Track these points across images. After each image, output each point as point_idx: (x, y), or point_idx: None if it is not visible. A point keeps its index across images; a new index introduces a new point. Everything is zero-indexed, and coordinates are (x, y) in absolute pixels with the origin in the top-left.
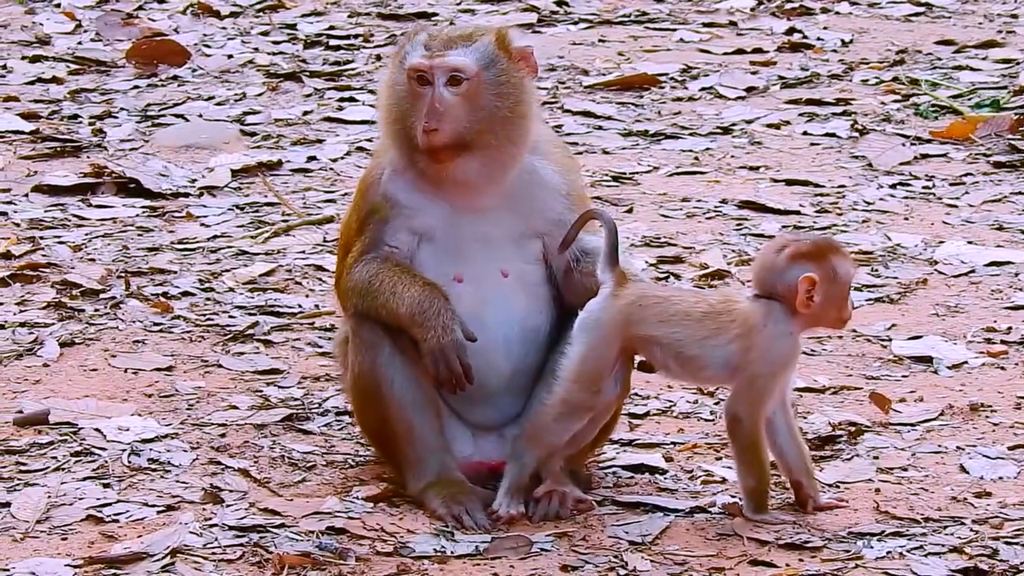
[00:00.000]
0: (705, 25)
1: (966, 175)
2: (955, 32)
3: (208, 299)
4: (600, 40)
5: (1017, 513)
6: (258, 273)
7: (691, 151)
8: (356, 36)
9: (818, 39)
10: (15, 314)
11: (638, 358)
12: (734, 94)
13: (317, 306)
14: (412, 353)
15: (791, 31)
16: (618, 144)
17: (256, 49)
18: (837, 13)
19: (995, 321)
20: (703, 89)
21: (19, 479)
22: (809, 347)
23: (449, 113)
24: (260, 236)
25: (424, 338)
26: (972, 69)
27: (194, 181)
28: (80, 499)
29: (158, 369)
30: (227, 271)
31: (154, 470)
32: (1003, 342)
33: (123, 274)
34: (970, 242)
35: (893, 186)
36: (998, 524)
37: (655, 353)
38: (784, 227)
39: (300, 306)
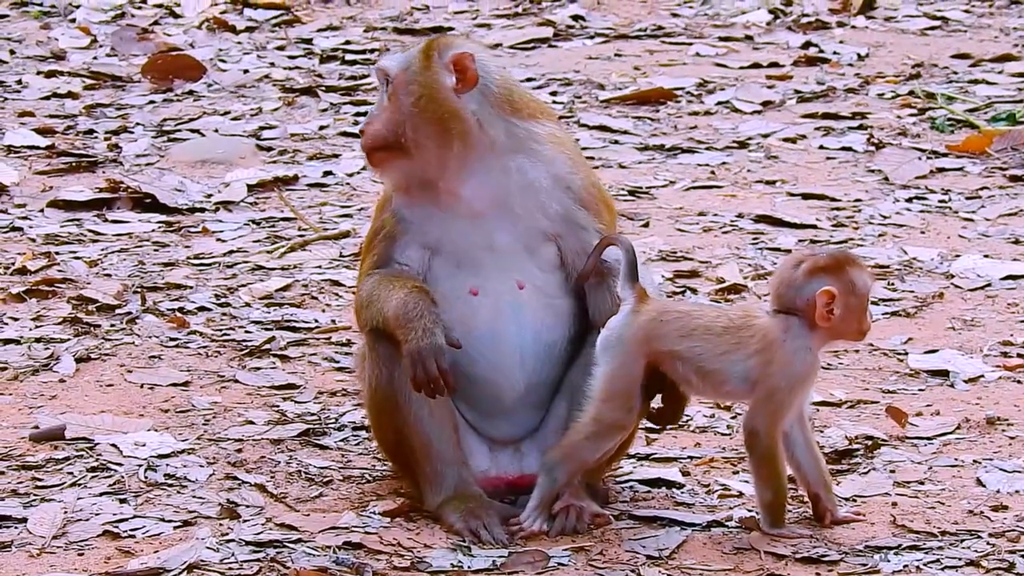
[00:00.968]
0: (721, 39)
1: (982, 189)
2: (971, 46)
3: (224, 314)
4: (616, 54)
5: None
6: (274, 288)
7: (707, 165)
8: (372, 51)
9: (834, 53)
10: (31, 329)
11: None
12: (750, 108)
13: (333, 321)
14: None
15: (807, 45)
16: (634, 158)
17: (272, 64)
18: (853, 27)
19: (1011, 335)
20: (719, 103)
21: (35, 495)
22: (826, 361)
23: (379, 116)
24: (276, 251)
25: (404, 339)
26: (988, 83)
27: (210, 196)
28: (96, 515)
29: (174, 384)
30: (243, 286)
31: (171, 485)
32: (1020, 356)
33: (139, 289)
34: (986, 256)
35: (909, 200)
36: (1015, 538)
37: (677, 368)
38: (800, 241)
39: (316, 321)
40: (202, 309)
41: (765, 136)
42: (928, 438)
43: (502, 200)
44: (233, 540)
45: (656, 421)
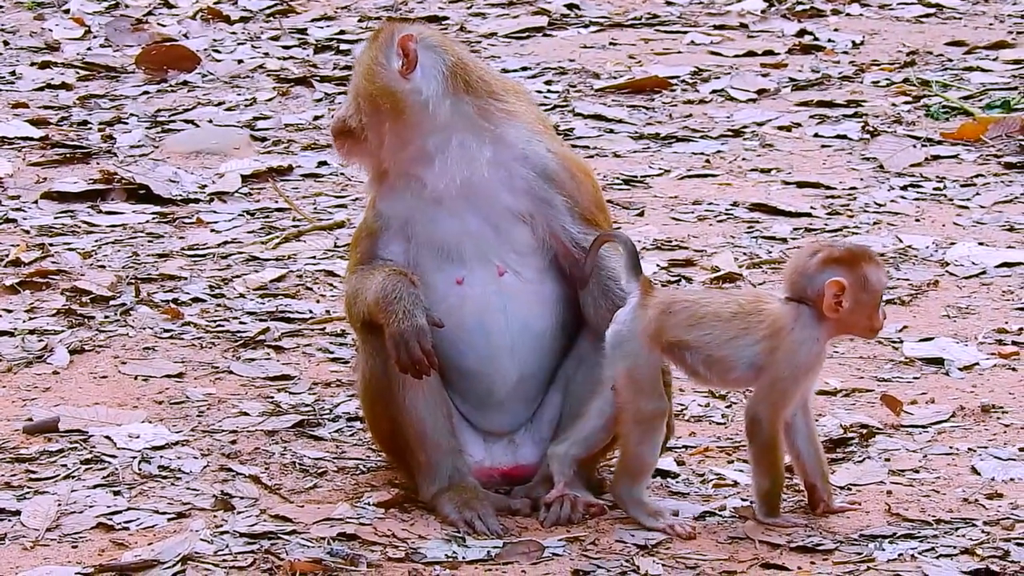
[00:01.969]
0: (716, 27)
1: (977, 176)
2: (966, 33)
3: (219, 305)
4: (611, 43)
5: None
6: (269, 279)
7: (702, 154)
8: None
9: (829, 41)
10: (25, 321)
11: None
12: (745, 96)
13: (328, 312)
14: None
15: (802, 33)
16: (629, 147)
17: (266, 54)
18: (848, 15)
19: (1006, 322)
20: (714, 92)
21: (29, 487)
22: None
23: (342, 103)
24: (271, 242)
25: (387, 323)
26: (983, 70)
27: (204, 187)
28: (90, 507)
29: (168, 376)
30: (237, 277)
31: (165, 477)
32: (1014, 343)
33: (133, 280)
34: (981, 243)
35: (904, 188)
36: (1009, 526)
37: (686, 358)
38: (796, 230)
39: (311, 312)
40: (196, 300)
41: (760, 124)
42: (923, 426)
43: (465, 181)
44: (227, 532)
45: None
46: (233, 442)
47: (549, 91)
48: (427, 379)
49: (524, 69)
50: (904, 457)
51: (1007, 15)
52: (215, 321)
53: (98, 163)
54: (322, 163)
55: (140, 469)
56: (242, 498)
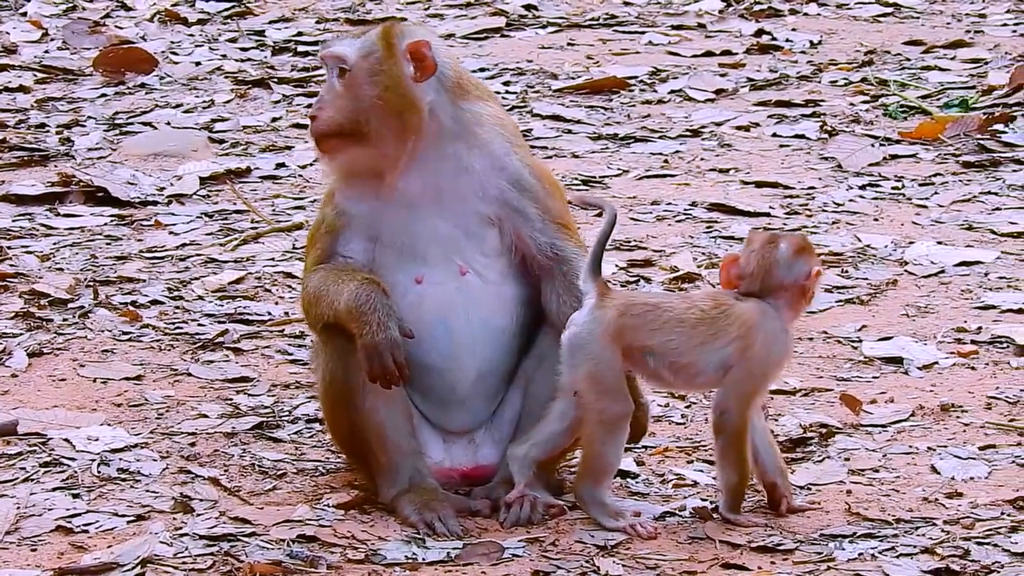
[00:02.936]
0: (674, 28)
1: (935, 175)
2: (923, 32)
3: (177, 307)
4: (569, 44)
5: (988, 513)
6: (227, 281)
7: (661, 154)
8: (324, 42)
9: (787, 40)
10: None
11: None
12: (703, 96)
13: (287, 313)
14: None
15: (760, 33)
16: (587, 148)
17: (224, 56)
18: (805, 14)
19: (965, 321)
20: (672, 92)
21: None
22: None
23: (332, 103)
24: (229, 244)
25: (360, 333)
26: (941, 69)
27: (162, 189)
28: (49, 510)
29: (127, 378)
30: (196, 279)
31: (124, 480)
32: (973, 342)
33: (91, 283)
34: (940, 242)
35: (862, 187)
36: (969, 524)
37: (647, 363)
38: (754, 229)
39: (270, 314)
40: (155, 303)
41: (718, 124)
42: (882, 425)
43: (439, 187)
44: (187, 534)
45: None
46: (192, 444)
47: (507, 92)
48: None
49: (482, 70)
50: (864, 456)
51: (964, 14)
52: (174, 323)
53: (56, 166)
54: (280, 165)
55: (99, 472)
56: (201, 500)
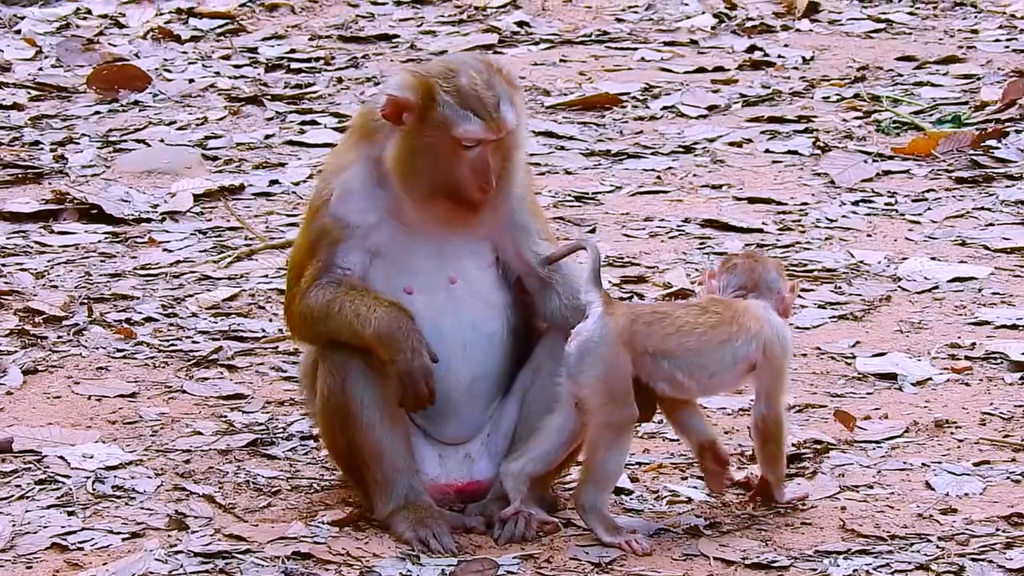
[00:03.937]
0: (666, 44)
1: (928, 191)
2: (916, 48)
3: (171, 324)
4: (561, 60)
5: (983, 529)
6: (221, 298)
7: (653, 170)
8: (317, 59)
9: (779, 57)
10: None
11: None
12: (696, 112)
13: (281, 330)
14: (381, 374)
15: (752, 49)
16: (580, 164)
17: (217, 73)
18: (798, 31)
19: (959, 337)
20: (665, 108)
21: None
22: None
23: (495, 171)
24: (223, 261)
25: (394, 360)
26: (933, 85)
27: (156, 206)
28: (44, 527)
29: (122, 395)
30: (190, 296)
31: (119, 497)
32: (967, 358)
33: (86, 300)
34: (933, 258)
35: (856, 203)
36: (964, 541)
37: (661, 366)
38: (747, 245)
39: (264, 330)
40: (149, 320)
41: (711, 140)
42: (876, 442)
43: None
44: (181, 551)
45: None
46: (187, 461)
47: None
48: (385, 397)
49: None
50: (858, 473)
51: (957, 30)
52: (168, 340)
53: (50, 183)
54: (273, 182)
55: (94, 489)
56: (196, 517)
